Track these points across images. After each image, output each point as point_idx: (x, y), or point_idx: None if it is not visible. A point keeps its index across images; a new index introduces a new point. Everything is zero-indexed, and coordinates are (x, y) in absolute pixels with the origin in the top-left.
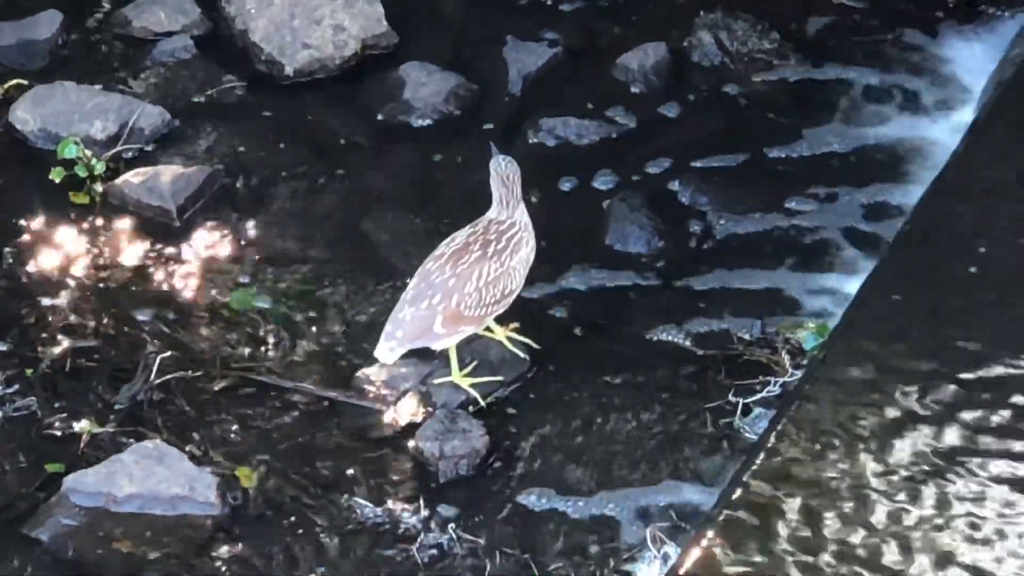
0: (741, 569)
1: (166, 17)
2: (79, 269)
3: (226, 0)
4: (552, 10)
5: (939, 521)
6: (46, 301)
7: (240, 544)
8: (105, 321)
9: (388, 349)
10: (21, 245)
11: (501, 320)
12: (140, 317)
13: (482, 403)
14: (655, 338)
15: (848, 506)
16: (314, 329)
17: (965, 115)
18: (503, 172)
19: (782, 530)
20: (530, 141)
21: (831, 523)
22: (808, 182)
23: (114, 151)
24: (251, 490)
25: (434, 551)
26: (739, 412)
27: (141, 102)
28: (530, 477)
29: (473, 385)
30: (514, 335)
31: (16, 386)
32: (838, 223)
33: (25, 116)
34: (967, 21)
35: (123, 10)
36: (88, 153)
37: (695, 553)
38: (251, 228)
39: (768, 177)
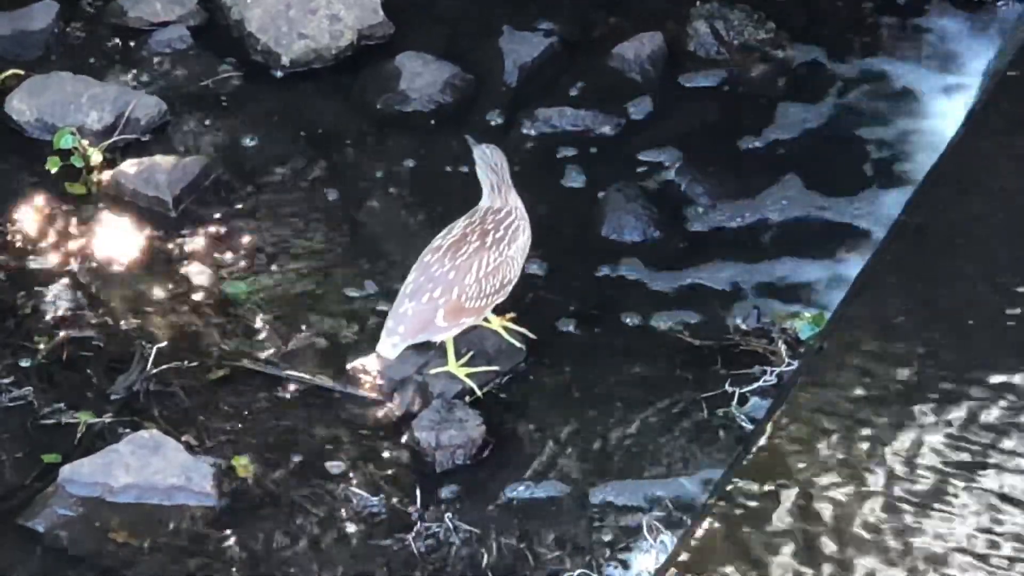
0: (737, 559)
1: (162, 7)
2: (75, 259)
3: None
4: (548, 0)
5: (936, 511)
6: (42, 291)
7: (236, 534)
8: (101, 311)
9: (391, 345)
10: (17, 235)
11: (498, 310)
12: (136, 307)
13: (479, 393)
14: (651, 328)
15: (844, 496)
16: (310, 319)
17: (963, 105)
18: (490, 160)
19: (778, 520)
20: (526, 131)
21: (827, 513)
22: (804, 172)
23: (110, 141)
24: (247, 480)
25: (430, 541)
26: (735, 402)
27: (137, 92)
28: (526, 467)
29: (470, 375)
30: (510, 325)
31: (12, 376)
32: (834, 213)
33: (21, 106)
34: (965, 10)
35: (119, 0)
36: (84, 143)
37: (691, 543)
38: (247, 218)
39: (764, 167)
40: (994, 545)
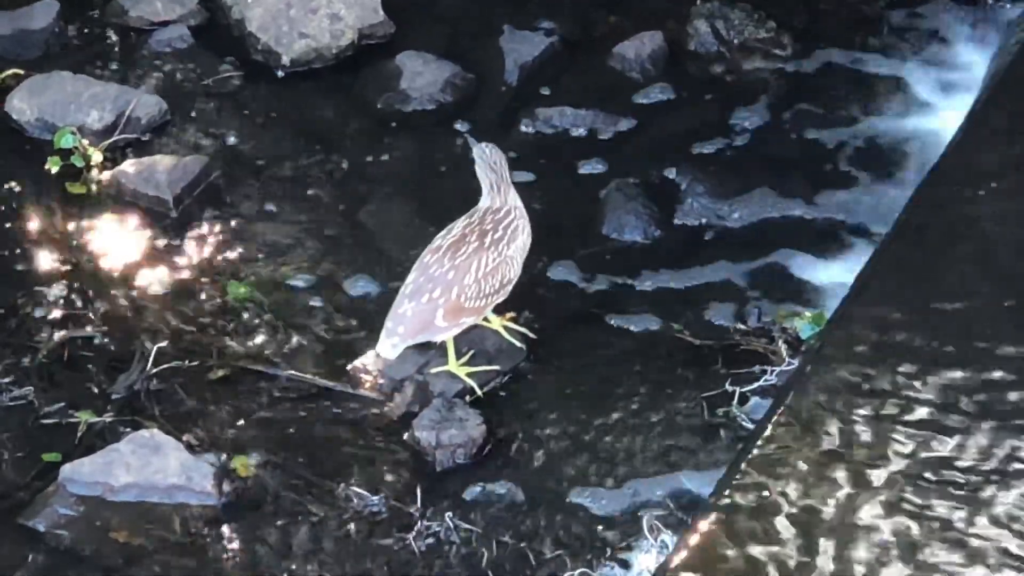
0: (738, 558)
1: (163, 7)
2: (76, 259)
3: None
4: (549, 0)
5: (936, 508)
6: (43, 291)
7: (237, 533)
8: (102, 311)
9: (391, 345)
10: (18, 235)
11: (498, 309)
12: (137, 307)
13: (479, 392)
14: (652, 327)
15: (845, 494)
16: (311, 318)
17: (963, 103)
18: (490, 159)
19: (779, 519)
20: (526, 130)
21: (827, 512)
22: (804, 171)
23: (110, 141)
24: (247, 479)
25: (431, 540)
26: (736, 401)
27: (137, 92)
28: (526, 466)
29: (470, 374)
30: (511, 324)
31: (13, 376)
32: (835, 212)
33: (22, 106)
34: (965, 8)
35: (119, 0)
36: (85, 143)
37: (692, 542)
38: (247, 218)
39: (765, 166)
40: (995, 541)
